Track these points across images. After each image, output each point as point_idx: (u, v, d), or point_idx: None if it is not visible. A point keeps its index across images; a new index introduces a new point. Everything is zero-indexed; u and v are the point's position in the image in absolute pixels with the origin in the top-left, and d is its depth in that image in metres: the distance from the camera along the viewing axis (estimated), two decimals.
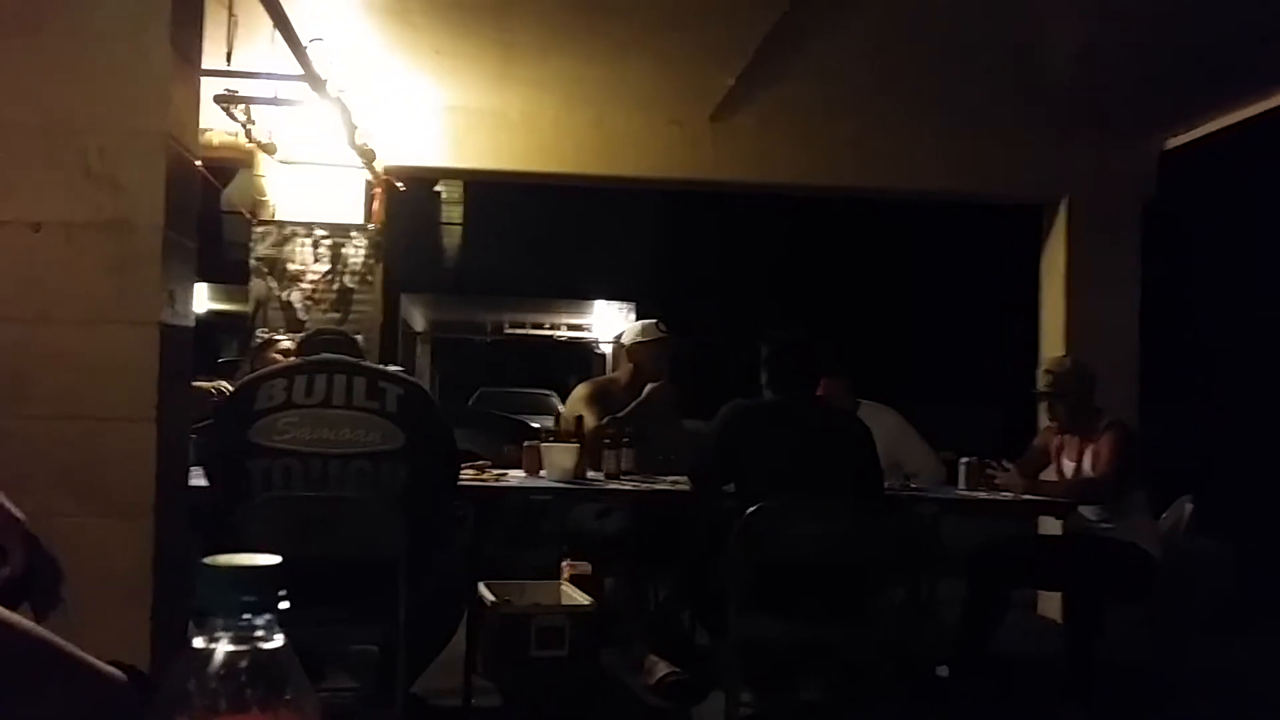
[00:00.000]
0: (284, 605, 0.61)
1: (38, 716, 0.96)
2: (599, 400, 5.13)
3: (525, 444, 4.81)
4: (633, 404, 5.02)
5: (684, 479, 4.43)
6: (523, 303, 17.91)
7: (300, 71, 4.60)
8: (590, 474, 4.60)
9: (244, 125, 5.23)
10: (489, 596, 4.57)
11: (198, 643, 0.60)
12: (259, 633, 0.60)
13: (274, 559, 0.62)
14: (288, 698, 0.61)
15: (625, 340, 5.42)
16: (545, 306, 17.97)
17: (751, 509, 3.62)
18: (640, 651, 4.55)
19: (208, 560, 0.61)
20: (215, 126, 5.42)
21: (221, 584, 0.61)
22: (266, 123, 5.54)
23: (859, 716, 4.09)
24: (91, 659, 0.97)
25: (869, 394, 5.40)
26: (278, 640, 0.61)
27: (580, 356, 18.75)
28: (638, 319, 7.07)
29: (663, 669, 4.46)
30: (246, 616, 0.60)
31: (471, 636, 4.27)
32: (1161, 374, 7.29)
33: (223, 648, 0.60)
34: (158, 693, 0.95)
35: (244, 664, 0.60)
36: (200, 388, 4.70)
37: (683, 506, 4.56)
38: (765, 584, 3.65)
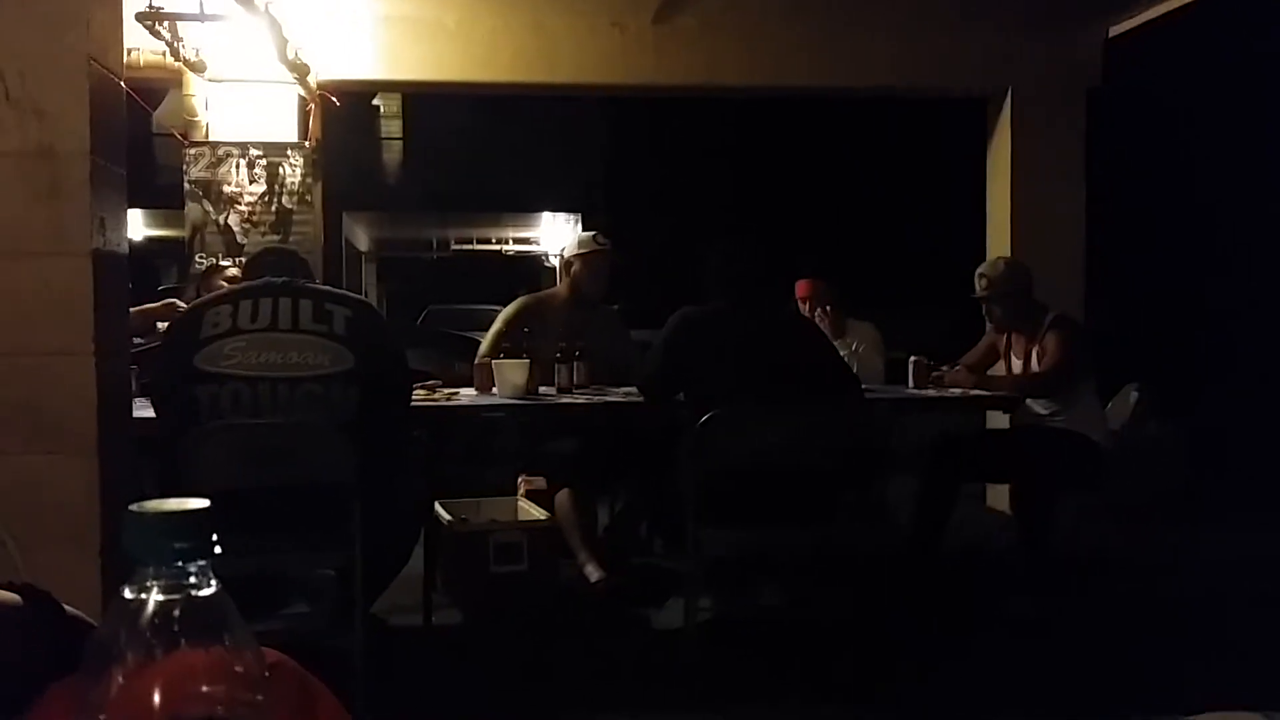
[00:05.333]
0: (217, 550, 0.58)
1: None
2: (526, 315, 5.08)
3: (476, 362, 4.79)
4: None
5: (635, 391, 4.42)
6: (468, 218, 17.69)
7: None
8: (542, 389, 4.58)
9: (170, 43, 5.07)
10: (446, 515, 4.57)
11: (128, 593, 0.57)
12: (192, 580, 0.57)
13: (204, 502, 0.58)
14: (225, 645, 0.58)
15: (566, 253, 5.36)
16: (491, 221, 17.77)
17: (703, 418, 3.62)
18: (581, 561, 4.56)
19: (134, 506, 0.58)
20: (141, 46, 5.24)
21: (150, 531, 0.57)
22: (194, 40, 5.37)
23: (816, 618, 4.15)
24: None
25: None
26: (212, 587, 0.58)
27: (529, 270, 18.60)
28: (584, 230, 7.00)
29: (594, 574, 4.49)
30: (178, 563, 0.57)
31: (430, 555, 4.28)
32: (1108, 262, 7.35)
33: (154, 597, 0.57)
34: (62, 613, 0.92)
35: (177, 613, 0.57)
36: (151, 309, 4.64)
37: (636, 418, 4.55)
38: (719, 491, 3.66)
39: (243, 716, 0.59)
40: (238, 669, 0.58)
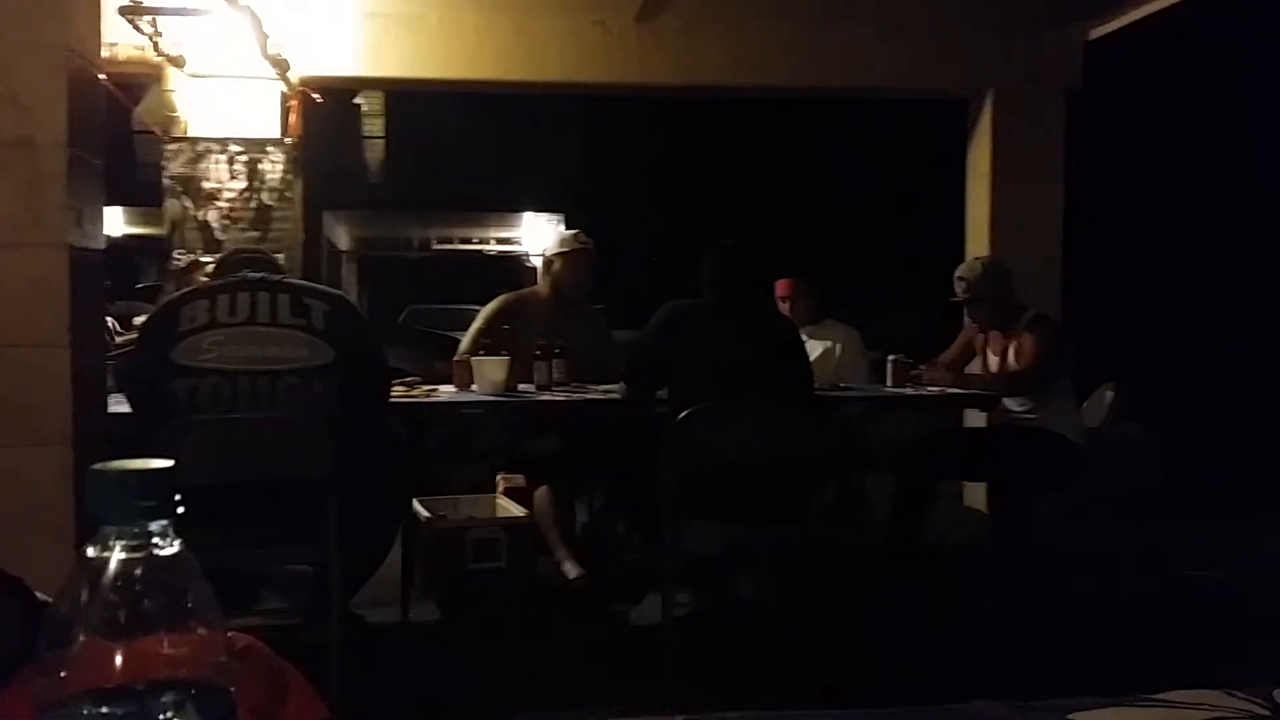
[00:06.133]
0: (180, 510, 0.58)
1: None
2: (507, 313, 5.08)
3: (456, 359, 4.78)
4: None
5: (615, 388, 4.42)
6: (450, 217, 17.65)
7: None
8: (521, 386, 4.58)
9: (151, 38, 5.06)
10: (424, 512, 4.57)
11: (90, 551, 0.57)
12: (155, 539, 0.58)
13: (168, 462, 0.59)
14: (189, 605, 0.58)
15: (547, 251, 5.36)
16: (473, 221, 17.73)
17: (683, 414, 3.63)
18: (559, 558, 4.57)
19: (98, 465, 0.58)
20: (121, 40, 5.22)
21: (113, 489, 0.57)
22: (174, 34, 5.36)
23: (793, 613, 4.15)
24: None
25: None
26: (175, 546, 0.58)
27: (510, 270, 18.56)
28: (566, 229, 7.02)
29: (572, 571, 4.49)
30: (141, 522, 0.57)
31: (407, 552, 4.27)
32: (1086, 262, 7.40)
33: (116, 556, 0.57)
34: (32, 598, 0.92)
35: (139, 572, 0.57)
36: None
37: (615, 416, 4.55)
38: (698, 487, 3.67)
39: (206, 679, 0.59)
40: (201, 631, 0.59)
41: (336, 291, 3.94)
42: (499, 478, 5.08)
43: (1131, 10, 6.33)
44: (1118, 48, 6.68)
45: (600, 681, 3.71)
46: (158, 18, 4.95)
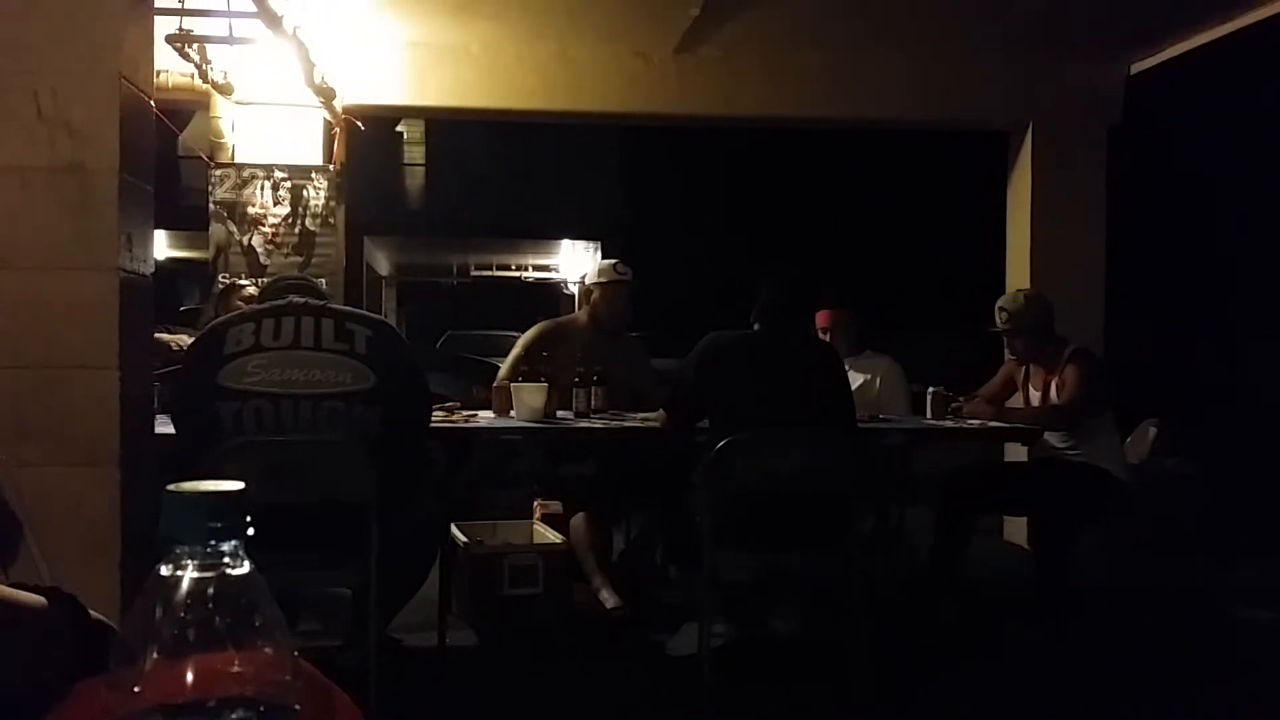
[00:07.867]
0: (250, 531, 0.60)
1: None
2: (546, 340, 5.09)
3: (495, 385, 4.81)
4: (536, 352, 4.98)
5: (654, 416, 4.42)
6: (489, 244, 17.77)
7: (255, 8, 4.50)
8: (560, 413, 4.60)
9: (199, 66, 5.13)
10: (461, 537, 4.59)
11: (163, 570, 0.59)
12: (226, 559, 0.59)
13: (239, 485, 0.60)
14: (257, 624, 0.59)
15: (587, 280, 5.38)
16: (512, 248, 17.84)
17: (722, 442, 3.62)
18: (596, 586, 4.56)
19: (172, 486, 0.60)
20: (169, 68, 5.31)
21: (187, 510, 0.59)
22: (222, 63, 5.44)
23: (831, 644, 4.13)
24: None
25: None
26: (245, 567, 0.59)
27: (548, 297, 18.65)
28: (603, 259, 7.05)
29: (609, 600, 4.48)
30: (213, 543, 0.59)
31: (445, 577, 4.28)
32: (1128, 297, 7.34)
33: (189, 575, 0.58)
34: (87, 616, 0.93)
35: (211, 591, 0.58)
36: (161, 340, 4.68)
37: (652, 444, 4.55)
38: (737, 516, 3.66)
39: (273, 697, 0.60)
40: (268, 650, 0.60)
41: (379, 317, 3.97)
42: (536, 504, 5.09)
43: (1173, 45, 6.31)
44: (1159, 81, 6.65)
45: (636, 711, 3.70)
46: (206, 46, 5.02)
